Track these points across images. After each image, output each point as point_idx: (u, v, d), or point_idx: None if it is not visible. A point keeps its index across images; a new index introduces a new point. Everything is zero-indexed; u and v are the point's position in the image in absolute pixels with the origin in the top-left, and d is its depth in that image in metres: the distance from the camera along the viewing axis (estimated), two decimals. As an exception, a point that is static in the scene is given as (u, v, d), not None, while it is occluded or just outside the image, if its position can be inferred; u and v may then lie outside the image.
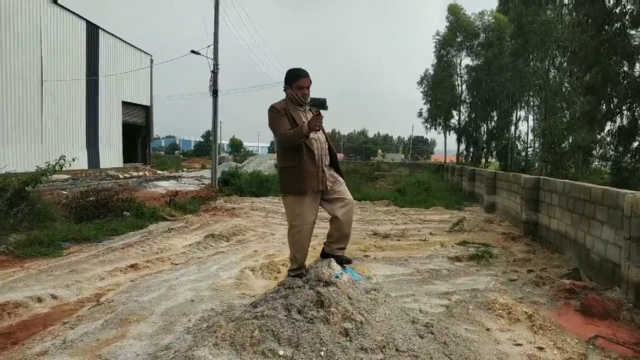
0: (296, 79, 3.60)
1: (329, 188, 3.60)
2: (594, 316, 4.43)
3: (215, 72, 18.07)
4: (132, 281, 5.81)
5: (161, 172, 27.84)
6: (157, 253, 7.37)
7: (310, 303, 3.33)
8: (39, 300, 5.03)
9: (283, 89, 3.68)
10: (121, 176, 21.93)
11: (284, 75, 3.69)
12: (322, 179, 3.56)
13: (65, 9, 24.43)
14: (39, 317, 4.60)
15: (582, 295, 4.86)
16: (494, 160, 44.85)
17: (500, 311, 4.38)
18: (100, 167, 27.09)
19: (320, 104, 3.52)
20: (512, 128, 40.31)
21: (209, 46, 18.21)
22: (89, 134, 26.83)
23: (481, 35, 39.14)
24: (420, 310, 4.29)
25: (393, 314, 3.46)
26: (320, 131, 3.64)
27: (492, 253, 7.33)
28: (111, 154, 29.02)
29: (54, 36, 23.39)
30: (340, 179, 3.72)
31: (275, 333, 3.16)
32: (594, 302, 4.55)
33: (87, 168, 25.75)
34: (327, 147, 3.67)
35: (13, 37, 20.82)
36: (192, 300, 4.96)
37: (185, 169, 32.59)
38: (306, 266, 3.77)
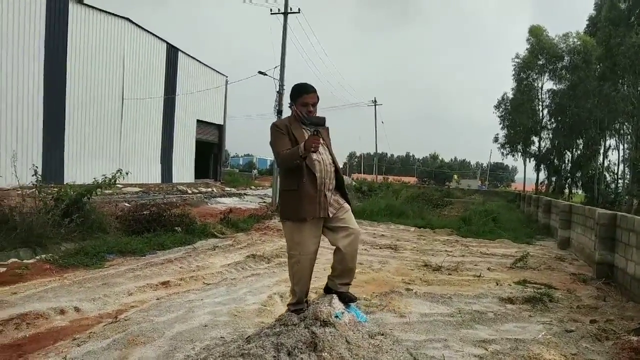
0: (300, 95, 3.31)
1: (331, 215, 3.22)
2: (663, 386, 3.64)
3: (280, 93, 18.31)
4: (157, 299, 5.71)
5: (229, 189, 28.56)
6: (194, 271, 7.29)
7: (303, 344, 2.95)
8: (62, 312, 5.03)
9: (288, 105, 3.40)
10: (189, 191, 22.69)
11: (290, 91, 3.40)
12: (323, 205, 3.19)
13: (149, 32, 26.15)
14: (55, 330, 4.57)
15: (651, 358, 4.05)
16: (579, 191, 41.84)
17: (543, 370, 3.73)
18: (173, 181, 28.36)
19: (318, 122, 3.18)
20: (600, 157, 37.39)
21: (275, 67, 18.53)
22: (164, 149, 28.29)
23: (565, 58, 36.92)
24: (444, 361, 3.74)
25: (399, 366, 2.98)
26: (327, 152, 3.29)
27: (554, 296, 6.47)
28: (183, 170, 30.37)
29: (136, 57, 25.08)
30: (345, 205, 3.33)
31: (258, 376, 2.82)
32: (665, 368, 3.75)
33: (160, 182, 27.07)
34: (332, 169, 3.31)
35: (98, 58, 22.54)
36: (206, 325, 4.72)
37: (253, 187, 33.27)
38: (308, 301, 3.40)
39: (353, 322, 3.14)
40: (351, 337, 3.00)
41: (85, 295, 5.64)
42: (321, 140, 3.19)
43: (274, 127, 3.29)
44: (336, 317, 3.08)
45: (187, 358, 3.84)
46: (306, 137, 3.22)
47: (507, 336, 4.70)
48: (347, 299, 3.30)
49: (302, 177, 3.16)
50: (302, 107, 3.31)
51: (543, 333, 4.79)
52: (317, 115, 3.32)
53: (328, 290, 3.38)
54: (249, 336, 3.41)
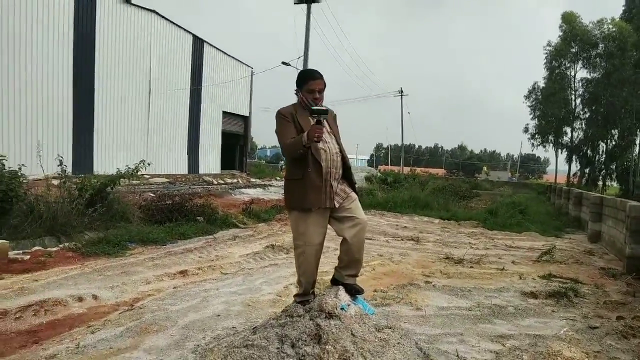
0: (306, 81, 3.22)
1: (336, 205, 3.14)
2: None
3: (304, 83, 18.21)
4: (174, 288, 5.74)
5: (254, 180, 28.72)
6: (212, 260, 7.31)
7: (307, 337, 2.89)
8: (80, 299, 5.10)
9: (294, 92, 3.31)
10: (215, 182, 22.90)
11: (296, 77, 3.31)
12: (329, 195, 3.11)
13: (175, 24, 26.41)
14: (71, 317, 4.64)
15: (681, 358, 3.83)
16: (614, 183, 40.51)
17: (562, 368, 3.57)
18: (200, 172, 28.73)
19: (322, 112, 3.08)
20: (637, 148, 36.08)
21: (299, 57, 18.45)
22: (191, 140, 28.66)
23: (600, 45, 35.57)
24: (457, 356, 3.63)
25: (406, 360, 2.88)
26: (333, 140, 3.20)
27: (579, 291, 6.23)
28: (210, 161, 30.73)
29: (162, 49, 25.41)
30: (352, 195, 3.24)
31: (261, 367, 2.77)
32: (695, 369, 3.55)
33: (187, 173, 27.47)
34: (339, 158, 3.22)
35: (126, 50, 22.94)
36: (219, 315, 4.72)
37: (278, 178, 33.35)
38: (314, 292, 3.33)
39: (359, 314, 3.06)
40: (357, 330, 2.92)
41: (104, 283, 5.72)
42: (328, 129, 3.10)
43: (279, 115, 3.22)
44: (342, 309, 3.01)
45: (196, 347, 3.82)
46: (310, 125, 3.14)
47: (527, 332, 4.53)
48: (353, 291, 3.23)
49: (307, 166, 3.08)
50: (308, 94, 3.22)
51: (565, 329, 4.60)
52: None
53: (335, 281, 3.31)
54: (255, 327, 3.37)
